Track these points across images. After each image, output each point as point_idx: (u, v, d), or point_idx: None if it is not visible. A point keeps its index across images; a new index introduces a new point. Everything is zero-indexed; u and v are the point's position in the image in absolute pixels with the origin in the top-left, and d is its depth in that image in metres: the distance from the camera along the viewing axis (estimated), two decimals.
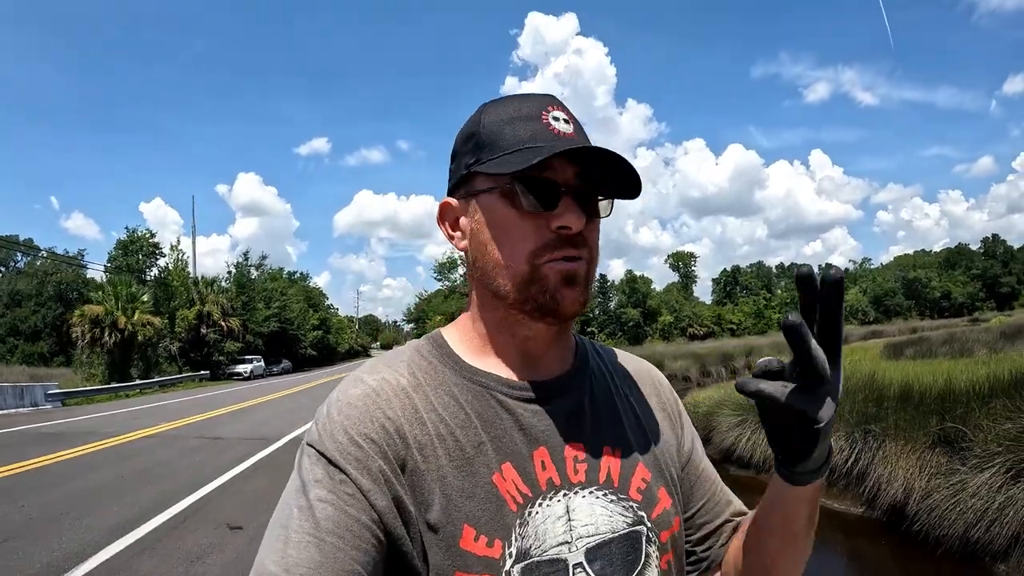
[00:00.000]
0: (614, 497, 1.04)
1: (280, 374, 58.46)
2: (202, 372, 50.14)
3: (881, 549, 10.41)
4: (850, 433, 12.45)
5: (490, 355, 1.08)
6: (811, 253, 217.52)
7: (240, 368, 53.20)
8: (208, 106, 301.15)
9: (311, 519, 0.88)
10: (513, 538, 0.94)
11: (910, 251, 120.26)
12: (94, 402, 30.36)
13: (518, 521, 0.96)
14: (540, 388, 1.07)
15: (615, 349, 1.30)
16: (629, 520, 1.03)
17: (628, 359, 1.28)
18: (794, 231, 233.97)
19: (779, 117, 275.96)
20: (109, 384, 36.68)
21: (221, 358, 53.76)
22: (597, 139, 1.12)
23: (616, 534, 1.01)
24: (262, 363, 56.99)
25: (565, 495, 1.00)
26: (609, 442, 1.08)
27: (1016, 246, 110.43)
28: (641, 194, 1.05)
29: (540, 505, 0.98)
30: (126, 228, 61.85)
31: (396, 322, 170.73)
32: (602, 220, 1.08)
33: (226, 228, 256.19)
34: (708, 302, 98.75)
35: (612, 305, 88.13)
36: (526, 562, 0.94)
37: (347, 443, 0.93)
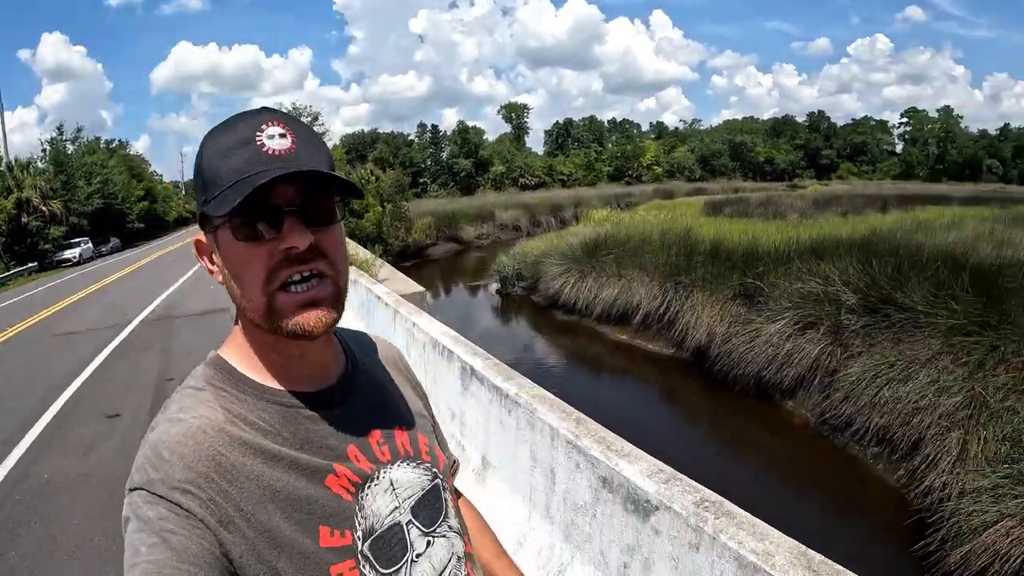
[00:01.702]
0: (415, 463, 1.23)
1: (110, 254, 54.19)
2: (30, 265, 46.00)
3: (688, 385, 11.81)
4: (663, 283, 13.71)
5: (276, 372, 1.14)
6: (645, 110, 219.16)
7: (68, 254, 48.32)
8: None
9: (168, 550, 0.91)
10: (357, 522, 1.08)
11: (740, 116, 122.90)
12: None
13: (356, 507, 1.09)
14: (332, 393, 1.18)
15: (359, 333, 1.44)
16: (429, 477, 1.24)
17: (379, 344, 1.45)
18: (630, 87, 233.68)
19: None
20: None
21: (47, 246, 48.98)
22: None
23: (425, 490, 1.22)
24: (90, 244, 52.18)
25: (385, 473, 1.16)
26: (395, 422, 1.25)
27: (840, 123, 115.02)
28: (363, 196, 1.13)
29: (368, 489, 1.12)
30: None
31: None
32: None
33: (32, 98, 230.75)
34: (540, 153, 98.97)
35: (444, 155, 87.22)
36: (372, 537, 1.09)
37: (185, 481, 0.96)
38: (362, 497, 1.11)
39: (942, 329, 8.85)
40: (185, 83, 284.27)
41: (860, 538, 7.28)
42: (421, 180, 79.96)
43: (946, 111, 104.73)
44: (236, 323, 1.18)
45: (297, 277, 1.04)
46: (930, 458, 7.55)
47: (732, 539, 2.72)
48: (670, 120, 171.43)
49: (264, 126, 1.03)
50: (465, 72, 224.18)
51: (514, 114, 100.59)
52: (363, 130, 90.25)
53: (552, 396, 4.34)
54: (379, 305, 8.44)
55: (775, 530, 2.78)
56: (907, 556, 6.48)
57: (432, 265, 33.38)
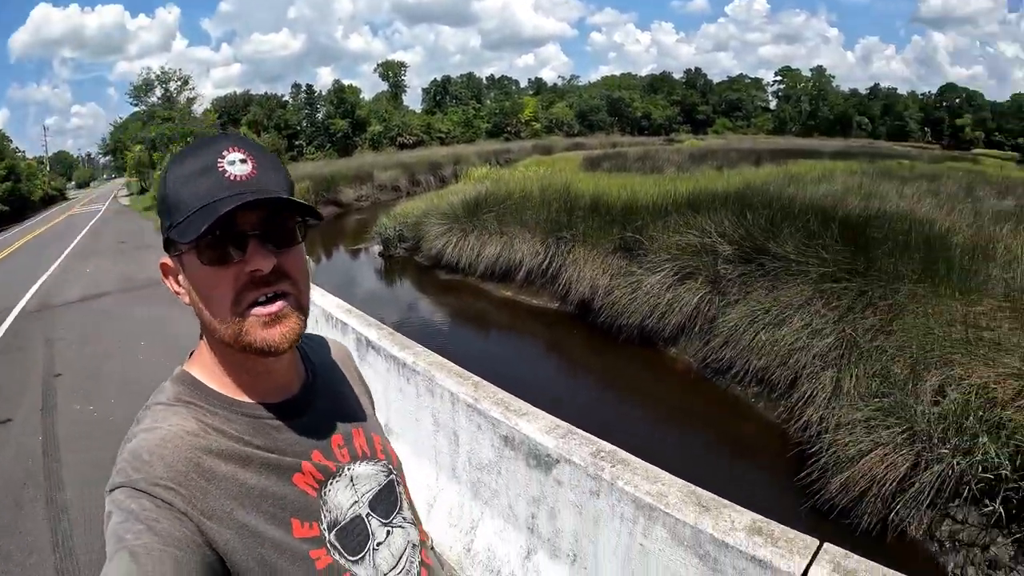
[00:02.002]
0: (373, 461, 1.36)
1: None
2: None
3: (574, 337, 11.98)
4: (544, 239, 13.80)
5: (244, 387, 1.22)
6: (523, 66, 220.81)
7: None
8: None
9: (153, 535, 0.97)
10: (322, 516, 1.19)
11: (618, 73, 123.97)
12: None
13: (321, 503, 1.20)
14: (296, 403, 1.28)
15: (313, 337, 1.51)
16: (385, 473, 1.37)
17: (332, 347, 1.55)
18: (508, 43, 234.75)
19: None
20: None
21: None
22: None
23: (382, 485, 1.35)
24: None
25: (346, 471, 1.28)
26: (352, 424, 1.38)
27: (716, 80, 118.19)
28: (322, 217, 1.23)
29: (330, 486, 1.23)
30: None
31: (91, 154, 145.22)
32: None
33: None
34: (418, 111, 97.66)
35: (320, 116, 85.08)
36: (337, 528, 1.21)
37: (166, 479, 1.03)
38: (325, 493, 1.22)
39: (813, 276, 9.24)
40: (46, 49, 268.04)
41: (747, 472, 7.66)
42: (297, 143, 77.81)
43: (819, 70, 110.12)
44: (201, 339, 1.25)
45: (263, 298, 1.12)
46: (807, 395, 7.95)
47: (628, 484, 3.04)
48: (549, 76, 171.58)
49: (225, 152, 1.10)
50: (340, 29, 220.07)
51: (391, 72, 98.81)
52: (235, 92, 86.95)
53: (449, 363, 4.57)
54: None
55: (667, 473, 3.10)
56: (791, 486, 6.80)
57: (312, 231, 32.10)
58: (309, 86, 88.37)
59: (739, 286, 10.07)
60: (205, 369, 1.22)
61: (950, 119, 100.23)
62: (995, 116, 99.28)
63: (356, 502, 1.27)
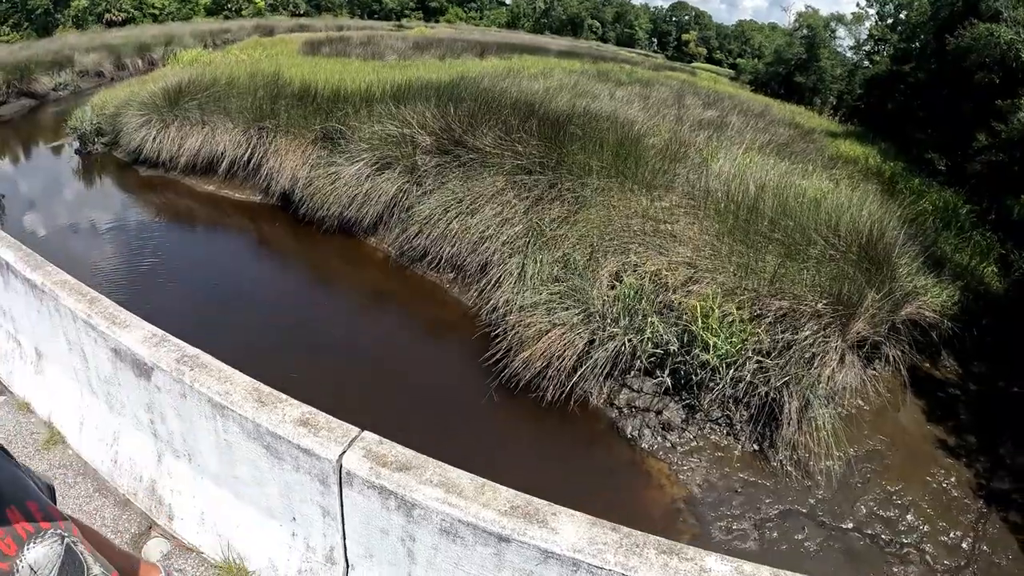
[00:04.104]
0: (41, 536, 1.33)
1: None
2: None
3: (277, 230, 11.90)
4: (248, 129, 13.22)
5: None
6: None
7: None
8: None
9: None
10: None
11: None
12: None
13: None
14: None
15: None
16: (59, 541, 1.35)
17: None
18: None
19: None
20: None
21: None
22: None
23: (61, 557, 1.34)
24: None
25: (21, 562, 1.27)
26: (6, 507, 1.32)
27: None
28: None
29: None
30: None
31: None
32: None
33: None
34: None
35: None
36: None
37: None
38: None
39: (507, 168, 9.61)
40: None
41: (439, 353, 8.17)
42: None
43: None
44: None
45: None
46: (495, 280, 8.42)
47: (203, 386, 3.38)
48: None
49: None
50: None
51: None
52: None
53: (72, 280, 4.64)
54: None
55: (238, 373, 3.49)
56: (479, 364, 7.26)
57: (1, 129, 29.15)
58: None
59: (435, 177, 10.31)
60: None
61: (678, 33, 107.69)
62: (719, 37, 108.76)
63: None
